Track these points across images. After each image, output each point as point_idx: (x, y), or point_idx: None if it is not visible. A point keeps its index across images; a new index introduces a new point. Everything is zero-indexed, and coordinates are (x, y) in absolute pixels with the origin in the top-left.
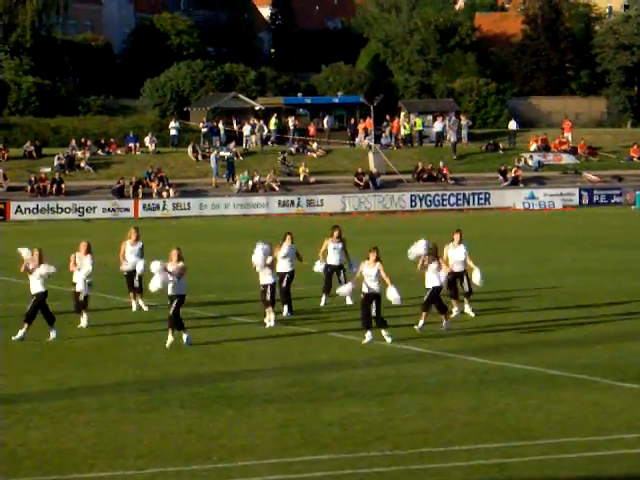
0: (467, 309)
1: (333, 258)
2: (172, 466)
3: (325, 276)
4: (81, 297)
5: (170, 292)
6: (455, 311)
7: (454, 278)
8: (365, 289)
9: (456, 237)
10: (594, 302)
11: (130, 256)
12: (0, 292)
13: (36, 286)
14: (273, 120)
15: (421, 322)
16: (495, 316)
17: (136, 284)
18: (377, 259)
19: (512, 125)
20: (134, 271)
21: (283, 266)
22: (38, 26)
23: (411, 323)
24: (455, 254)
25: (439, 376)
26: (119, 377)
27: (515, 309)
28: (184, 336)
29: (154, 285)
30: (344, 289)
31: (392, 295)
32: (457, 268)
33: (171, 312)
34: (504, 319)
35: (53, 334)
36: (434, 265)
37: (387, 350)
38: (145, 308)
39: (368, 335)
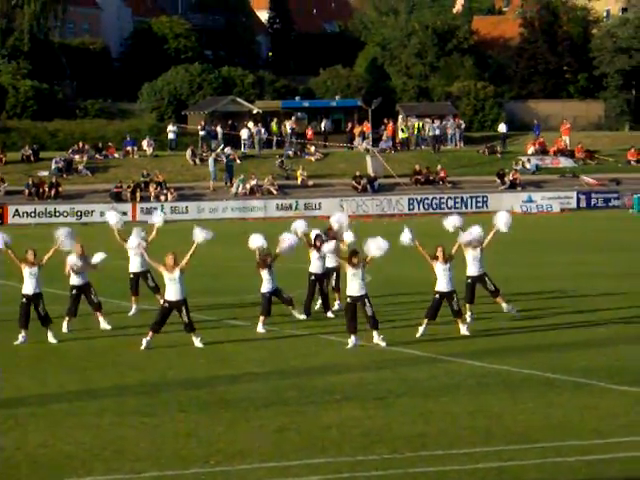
0: (505, 308)
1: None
2: (170, 470)
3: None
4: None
5: (176, 297)
6: (469, 316)
7: (473, 282)
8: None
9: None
10: (592, 306)
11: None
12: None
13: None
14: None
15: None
16: (493, 320)
17: (151, 284)
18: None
19: (502, 128)
20: (142, 273)
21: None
22: (36, 30)
23: (409, 325)
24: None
25: (437, 379)
26: (117, 381)
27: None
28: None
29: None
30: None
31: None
32: (475, 271)
33: (187, 318)
34: (502, 323)
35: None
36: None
37: (385, 353)
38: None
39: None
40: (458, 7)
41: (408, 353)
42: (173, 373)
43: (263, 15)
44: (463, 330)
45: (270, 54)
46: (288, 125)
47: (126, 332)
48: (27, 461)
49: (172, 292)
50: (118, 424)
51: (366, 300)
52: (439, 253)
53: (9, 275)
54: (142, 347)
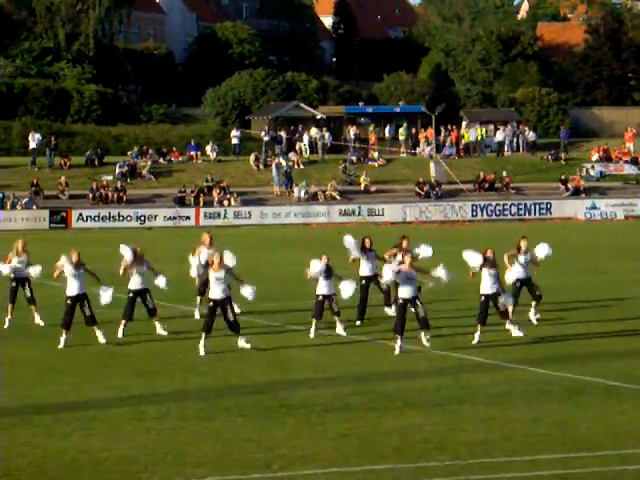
0: (532, 315)
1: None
2: (232, 475)
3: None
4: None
5: (221, 295)
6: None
7: (521, 284)
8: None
9: (523, 244)
10: None
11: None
12: (61, 300)
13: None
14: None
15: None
16: (556, 326)
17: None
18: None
19: (531, 136)
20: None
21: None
22: (100, 35)
23: (469, 332)
24: (522, 260)
25: (499, 386)
26: (179, 385)
27: (576, 320)
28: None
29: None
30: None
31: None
32: (523, 274)
33: (233, 316)
34: (565, 330)
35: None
36: (492, 271)
37: (446, 360)
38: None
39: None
40: (523, 13)
41: (469, 360)
42: (235, 378)
43: (327, 20)
44: (515, 332)
45: (334, 59)
46: (352, 131)
47: (187, 336)
48: (90, 464)
49: (217, 291)
50: (180, 429)
51: (418, 301)
52: (489, 254)
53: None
54: (201, 353)
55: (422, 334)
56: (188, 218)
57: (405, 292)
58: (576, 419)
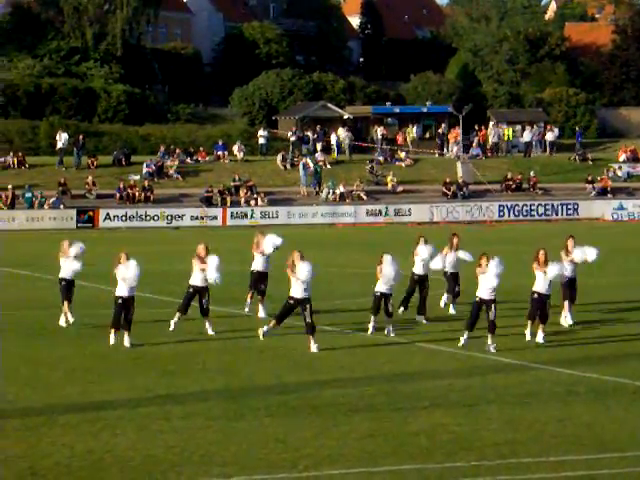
0: (567, 318)
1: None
2: (258, 474)
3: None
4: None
5: (303, 295)
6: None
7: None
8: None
9: (570, 243)
10: None
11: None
12: (89, 299)
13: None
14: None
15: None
16: (582, 328)
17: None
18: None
19: (549, 137)
20: (264, 273)
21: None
22: (128, 34)
23: (499, 333)
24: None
25: (526, 387)
26: (205, 385)
27: (603, 321)
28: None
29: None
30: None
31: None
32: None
33: (310, 319)
34: (592, 331)
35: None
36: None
37: (473, 360)
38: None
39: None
40: (550, 14)
41: (497, 360)
42: (261, 378)
43: (354, 20)
44: (539, 338)
45: (361, 60)
46: (379, 131)
47: (214, 337)
48: (116, 464)
49: (299, 290)
50: (206, 428)
51: (492, 305)
52: (541, 256)
53: (99, 278)
54: (260, 335)
55: (489, 338)
56: (215, 218)
57: (484, 293)
58: (603, 420)
